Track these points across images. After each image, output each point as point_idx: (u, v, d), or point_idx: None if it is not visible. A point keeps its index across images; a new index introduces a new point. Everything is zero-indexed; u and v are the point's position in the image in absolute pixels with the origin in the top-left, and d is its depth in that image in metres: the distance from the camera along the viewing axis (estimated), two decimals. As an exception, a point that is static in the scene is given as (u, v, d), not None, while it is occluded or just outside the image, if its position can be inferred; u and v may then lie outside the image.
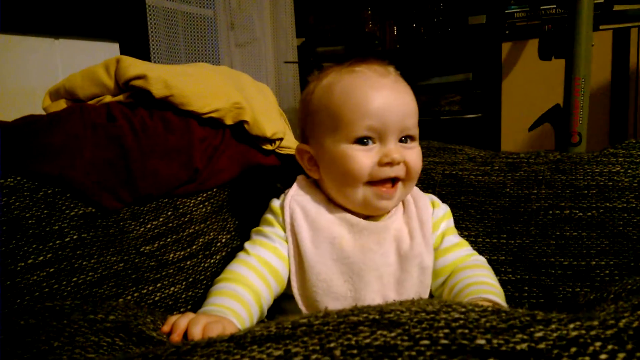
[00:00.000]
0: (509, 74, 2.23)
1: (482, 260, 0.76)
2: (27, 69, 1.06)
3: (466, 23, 2.26)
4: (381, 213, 0.74)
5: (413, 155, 0.72)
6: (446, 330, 0.29)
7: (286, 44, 2.25)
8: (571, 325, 0.30)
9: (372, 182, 0.71)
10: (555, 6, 2.02)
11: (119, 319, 0.44)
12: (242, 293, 0.67)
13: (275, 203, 0.77)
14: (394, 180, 0.71)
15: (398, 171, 0.71)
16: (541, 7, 2.05)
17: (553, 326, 0.30)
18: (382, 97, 0.70)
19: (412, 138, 0.73)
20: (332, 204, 0.75)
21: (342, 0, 2.57)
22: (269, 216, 0.77)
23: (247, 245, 0.75)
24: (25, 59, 1.06)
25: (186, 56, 1.68)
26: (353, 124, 0.70)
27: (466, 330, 0.29)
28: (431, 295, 0.75)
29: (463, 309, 0.32)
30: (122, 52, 1.29)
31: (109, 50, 1.28)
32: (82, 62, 1.18)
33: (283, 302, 0.75)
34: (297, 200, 0.75)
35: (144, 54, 1.40)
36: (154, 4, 1.49)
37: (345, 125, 0.70)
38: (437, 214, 0.78)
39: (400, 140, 0.72)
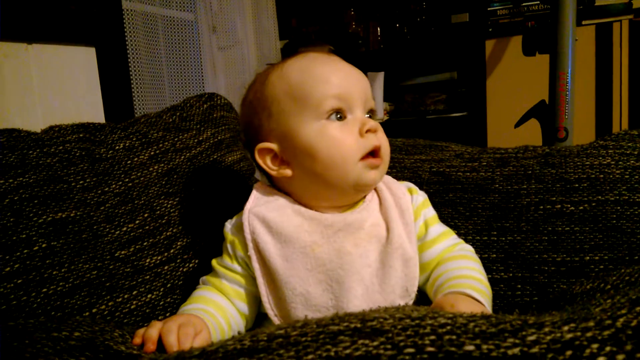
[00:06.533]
0: (493, 71, 2.23)
1: (468, 249, 0.71)
2: (-1, 76, 1.02)
3: (449, 22, 2.26)
4: (366, 193, 0.70)
5: (381, 129, 0.68)
6: (432, 337, 0.27)
7: (269, 46, 2.23)
8: (565, 328, 0.28)
9: (362, 157, 0.66)
10: (537, 3, 2.02)
11: (84, 335, 0.41)
12: (214, 312, 0.65)
13: (227, 227, 0.71)
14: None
15: (380, 139, 0.67)
16: (523, 4, 2.05)
17: (546, 329, 0.28)
18: (340, 68, 0.68)
19: (374, 114, 0.71)
20: (299, 205, 0.69)
21: (325, 2, 2.55)
22: (223, 247, 0.72)
23: (203, 279, 0.71)
24: (-2, 65, 1.02)
25: (167, 60, 1.65)
26: (320, 97, 0.65)
27: (454, 337, 0.27)
28: (421, 292, 0.69)
29: (450, 314, 0.29)
30: (99, 56, 1.26)
31: (85, 55, 1.24)
32: (57, 68, 1.15)
33: (264, 322, 0.70)
34: (256, 213, 0.67)
35: (121, 59, 1.37)
36: (131, 8, 1.46)
37: (313, 100, 0.65)
38: (417, 201, 0.72)
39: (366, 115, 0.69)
